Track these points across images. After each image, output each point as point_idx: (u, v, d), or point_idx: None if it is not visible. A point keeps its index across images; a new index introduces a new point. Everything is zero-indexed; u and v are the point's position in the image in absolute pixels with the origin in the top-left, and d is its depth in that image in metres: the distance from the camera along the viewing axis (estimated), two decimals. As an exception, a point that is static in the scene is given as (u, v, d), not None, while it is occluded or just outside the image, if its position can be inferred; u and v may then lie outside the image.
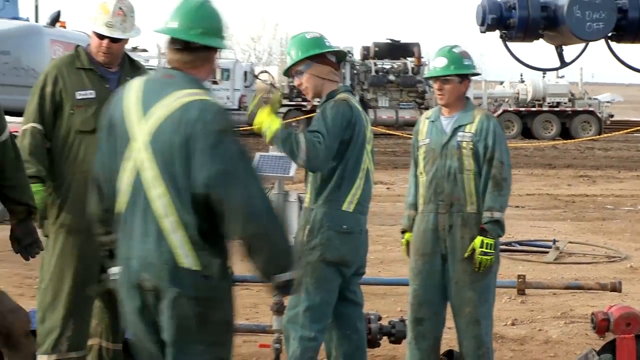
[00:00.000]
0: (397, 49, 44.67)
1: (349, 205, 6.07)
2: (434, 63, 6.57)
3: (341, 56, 6.32)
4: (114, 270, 4.57)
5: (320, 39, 6.21)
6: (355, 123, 6.04)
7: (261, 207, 4.31)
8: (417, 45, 44.84)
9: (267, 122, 5.90)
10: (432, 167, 6.48)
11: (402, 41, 45.14)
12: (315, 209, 6.08)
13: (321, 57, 6.16)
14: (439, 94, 6.51)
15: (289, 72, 6.28)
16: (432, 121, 6.58)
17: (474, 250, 6.32)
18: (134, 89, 4.53)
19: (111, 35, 6.05)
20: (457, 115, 6.53)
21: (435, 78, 6.50)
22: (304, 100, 38.57)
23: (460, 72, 6.48)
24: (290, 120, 38.45)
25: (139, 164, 4.39)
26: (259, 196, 4.31)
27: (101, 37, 6.06)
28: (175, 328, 4.36)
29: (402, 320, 7.29)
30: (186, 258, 4.32)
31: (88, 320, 6.18)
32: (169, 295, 4.33)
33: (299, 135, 5.86)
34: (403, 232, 6.74)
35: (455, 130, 6.47)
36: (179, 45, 4.48)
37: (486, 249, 6.31)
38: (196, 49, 4.48)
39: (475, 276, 6.38)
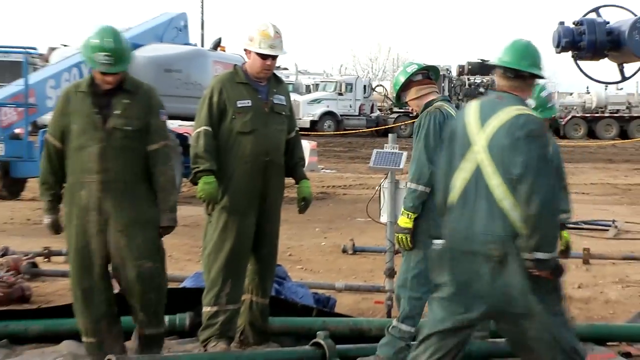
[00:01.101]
0: (486, 67, 44.20)
1: (448, 191, 6.00)
2: None
3: (433, 71, 6.26)
4: (438, 242, 4.95)
5: (401, 72, 6.19)
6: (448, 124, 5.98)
7: (545, 196, 4.54)
8: (502, 63, 44.39)
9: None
10: None
11: (491, 60, 44.70)
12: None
13: (407, 84, 6.14)
14: None
15: (399, 103, 6.37)
16: None
17: None
18: (472, 108, 4.86)
19: (275, 54, 6.10)
20: None
21: None
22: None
23: (543, 117, 6.27)
24: (398, 124, 38.39)
25: (479, 162, 4.70)
26: (546, 189, 4.55)
27: (264, 57, 6.10)
28: (523, 283, 4.58)
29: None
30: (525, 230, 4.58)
31: (242, 280, 6.20)
32: (517, 259, 4.57)
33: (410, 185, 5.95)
34: None
35: None
36: (511, 74, 4.81)
37: None
38: (523, 76, 4.81)
39: None
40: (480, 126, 4.75)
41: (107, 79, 5.56)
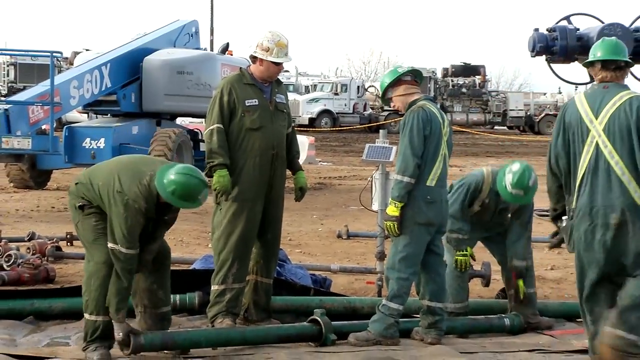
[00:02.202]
0: (468, 69, 44.32)
1: (431, 181, 5.97)
2: (514, 191, 6.22)
3: (416, 74, 6.19)
4: (564, 218, 5.18)
5: (392, 71, 6.15)
6: (430, 121, 5.94)
7: None
8: (483, 66, 44.53)
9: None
10: None
11: (472, 63, 44.75)
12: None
13: (396, 83, 6.09)
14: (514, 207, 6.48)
15: (386, 103, 6.25)
16: None
17: None
18: (577, 101, 5.13)
19: (289, 61, 6.26)
20: None
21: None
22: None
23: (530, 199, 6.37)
24: (389, 121, 38.33)
25: (599, 144, 4.97)
26: None
27: (277, 64, 6.13)
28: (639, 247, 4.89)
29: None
30: None
31: (248, 261, 6.19)
32: (636, 225, 4.88)
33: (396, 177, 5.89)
34: None
35: None
36: (613, 65, 5.10)
37: None
38: (621, 67, 5.12)
39: None
40: (594, 114, 5.01)
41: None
